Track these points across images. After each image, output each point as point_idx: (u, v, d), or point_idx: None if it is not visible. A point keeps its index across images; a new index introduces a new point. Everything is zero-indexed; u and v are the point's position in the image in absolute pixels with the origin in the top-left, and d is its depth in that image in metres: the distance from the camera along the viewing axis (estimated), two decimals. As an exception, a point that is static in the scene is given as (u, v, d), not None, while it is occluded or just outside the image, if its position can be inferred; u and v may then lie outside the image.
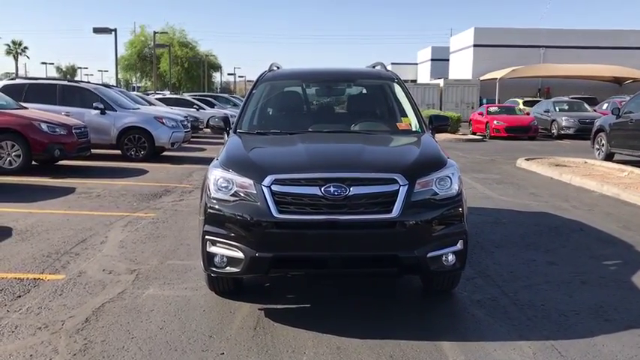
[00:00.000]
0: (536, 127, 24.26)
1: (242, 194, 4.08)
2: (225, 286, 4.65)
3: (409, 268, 4.13)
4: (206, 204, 4.21)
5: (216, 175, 4.25)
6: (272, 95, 5.90)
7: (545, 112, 26.17)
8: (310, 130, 5.32)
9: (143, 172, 12.39)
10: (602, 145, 15.09)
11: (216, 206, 4.14)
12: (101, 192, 9.64)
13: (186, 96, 30.83)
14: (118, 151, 14.36)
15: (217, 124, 5.55)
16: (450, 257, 4.16)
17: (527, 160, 14.30)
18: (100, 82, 25.13)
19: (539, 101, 30.62)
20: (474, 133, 26.06)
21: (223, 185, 4.18)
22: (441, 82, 41.97)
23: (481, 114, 26.32)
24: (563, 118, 24.55)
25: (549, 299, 4.72)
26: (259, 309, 4.48)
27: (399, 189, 4.00)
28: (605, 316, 4.38)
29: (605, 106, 27.23)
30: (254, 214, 3.97)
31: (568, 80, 42.18)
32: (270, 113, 5.84)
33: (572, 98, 28.94)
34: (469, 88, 40.77)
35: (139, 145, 14.33)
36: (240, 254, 4.02)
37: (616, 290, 4.96)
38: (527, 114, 26.73)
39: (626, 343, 3.90)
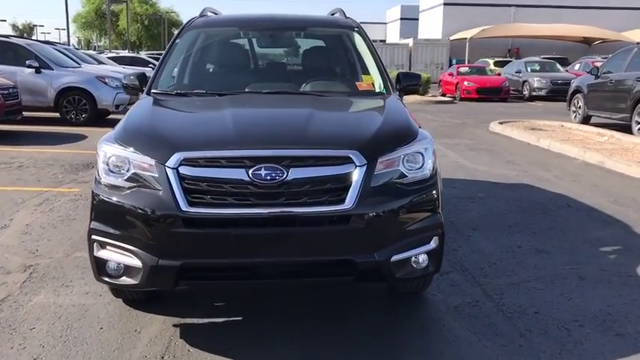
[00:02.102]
0: (507, 89, 23.39)
1: (141, 179, 3.00)
2: (134, 293, 3.60)
3: (368, 276, 3.11)
4: (93, 192, 3.12)
5: (108, 152, 3.15)
6: (201, 46, 4.72)
7: (516, 72, 25.28)
8: (247, 90, 4.22)
9: (81, 137, 11.09)
10: (579, 107, 14.26)
11: (107, 196, 3.05)
12: (25, 162, 8.40)
13: (142, 54, 29.14)
14: (57, 114, 12.99)
15: (132, 83, 4.40)
16: (422, 259, 3.16)
17: (501, 123, 13.40)
18: (60, 41, 23.28)
19: (510, 62, 29.75)
20: (443, 95, 25.11)
21: (116, 166, 3.09)
22: (410, 41, 40.72)
23: (451, 75, 25.34)
24: (535, 79, 23.69)
25: (544, 303, 3.78)
26: (174, 325, 3.44)
27: (354, 171, 2.96)
28: (615, 328, 3.46)
29: (577, 66, 26.56)
30: (155, 207, 2.89)
31: (538, 40, 41.43)
32: (198, 68, 4.65)
33: (544, 58, 28.10)
34: (439, 48, 39.59)
35: (79, 108, 12.95)
36: (136, 262, 2.95)
37: (622, 289, 4.04)
38: (498, 75, 25.85)
39: (651, 373, 2.99)
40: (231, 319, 3.58)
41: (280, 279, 3.07)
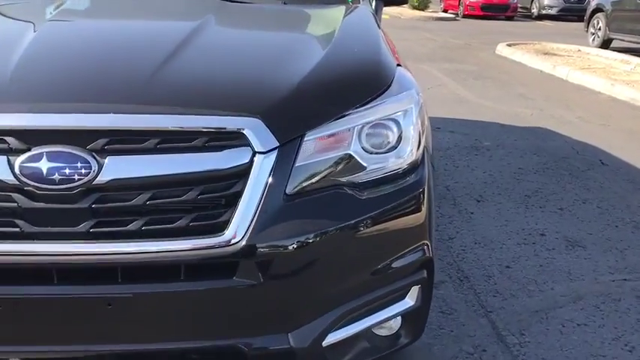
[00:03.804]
0: (515, 6, 21.31)
1: None
2: None
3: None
4: None
5: None
6: None
7: (525, -13, 23.10)
8: None
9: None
10: (599, 29, 12.43)
11: None
12: None
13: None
14: None
15: None
16: (389, 325, 1.67)
17: (510, 46, 11.59)
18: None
19: (519, -25, 27.32)
20: (445, 11, 22.99)
21: None
22: (411, -49, 37.76)
23: (454, -12, 23.12)
24: (546, -5, 21.58)
25: (592, 359, 2.33)
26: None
27: (250, 162, 1.41)
28: None
29: (592, -18, 24.28)
30: None
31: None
32: None
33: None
34: (442, -41, 36.76)
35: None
36: None
37: None
38: (506, -10, 23.61)
39: None
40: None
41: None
